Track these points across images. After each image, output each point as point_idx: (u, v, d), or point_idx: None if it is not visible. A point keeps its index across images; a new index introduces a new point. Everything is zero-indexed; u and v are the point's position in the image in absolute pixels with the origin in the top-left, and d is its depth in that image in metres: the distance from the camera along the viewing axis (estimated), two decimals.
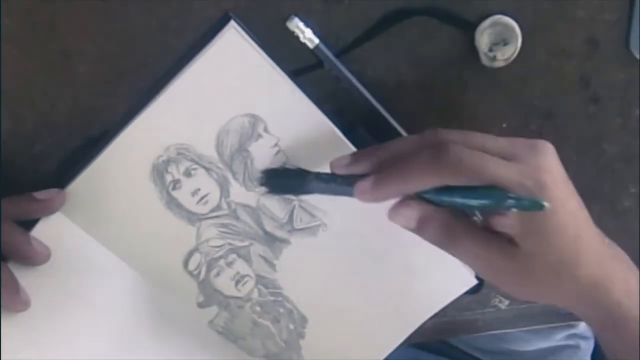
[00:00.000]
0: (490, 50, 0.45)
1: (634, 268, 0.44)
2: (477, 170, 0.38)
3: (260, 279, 0.47)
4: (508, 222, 0.39)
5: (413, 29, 0.45)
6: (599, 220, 0.51)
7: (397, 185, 0.40)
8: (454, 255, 0.41)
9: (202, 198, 0.45)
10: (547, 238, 0.39)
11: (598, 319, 0.43)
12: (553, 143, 0.48)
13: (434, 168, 0.38)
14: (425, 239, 0.41)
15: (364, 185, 0.40)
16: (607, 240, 0.43)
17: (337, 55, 0.44)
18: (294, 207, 0.46)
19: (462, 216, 0.41)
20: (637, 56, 0.46)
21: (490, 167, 0.38)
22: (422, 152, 0.39)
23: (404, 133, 0.46)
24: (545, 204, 0.37)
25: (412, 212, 0.41)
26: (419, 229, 0.41)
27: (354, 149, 0.45)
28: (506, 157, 0.39)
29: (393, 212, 0.41)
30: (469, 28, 0.45)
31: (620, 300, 0.41)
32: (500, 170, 0.38)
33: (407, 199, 0.41)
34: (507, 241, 0.39)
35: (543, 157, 0.39)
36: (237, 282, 0.47)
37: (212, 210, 0.45)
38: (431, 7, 0.44)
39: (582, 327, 0.77)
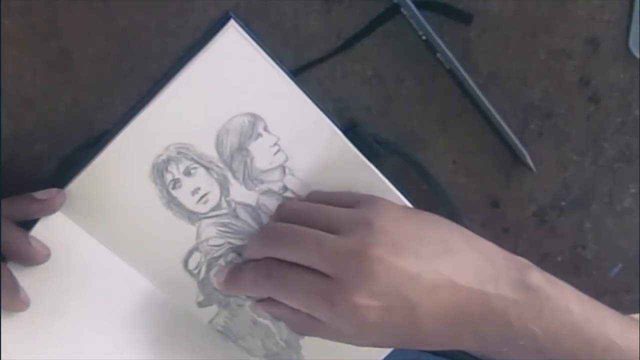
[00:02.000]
0: None
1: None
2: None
3: None
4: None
5: (413, 28, 0.44)
6: (599, 220, 0.51)
7: (235, 292, 0.47)
8: None
9: (202, 197, 0.45)
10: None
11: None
12: (553, 143, 0.49)
13: (253, 289, 0.44)
14: None
15: (216, 276, 0.46)
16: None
17: (337, 52, 0.44)
18: None
19: (301, 312, 0.42)
20: (637, 56, 0.46)
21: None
22: (246, 270, 0.44)
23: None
24: None
25: (265, 312, 0.46)
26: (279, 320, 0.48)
27: (353, 148, 0.45)
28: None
29: (255, 306, 0.47)
30: (470, 22, 0.45)
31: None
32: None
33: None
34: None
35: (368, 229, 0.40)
36: None
37: (212, 210, 0.45)
38: (432, 2, 0.44)
39: None
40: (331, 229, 0.41)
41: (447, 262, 0.40)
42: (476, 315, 0.40)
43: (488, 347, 0.41)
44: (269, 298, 0.44)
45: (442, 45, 0.44)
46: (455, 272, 0.40)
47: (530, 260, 0.42)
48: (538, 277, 0.41)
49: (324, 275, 0.40)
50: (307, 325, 0.43)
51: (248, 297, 0.47)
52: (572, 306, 0.41)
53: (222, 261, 0.47)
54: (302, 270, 0.41)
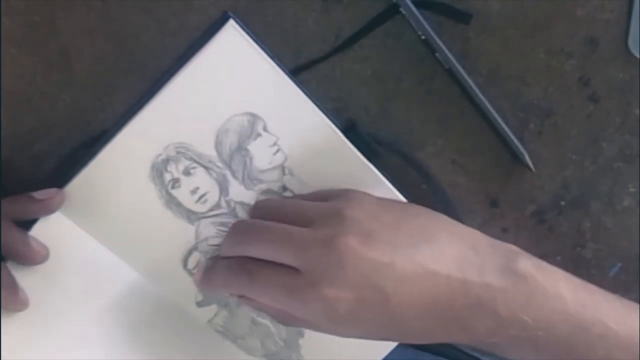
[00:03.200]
0: None
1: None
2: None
3: None
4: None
5: (412, 28, 0.45)
6: (599, 220, 0.51)
7: (211, 291, 0.46)
8: None
9: (201, 197, 0.45)
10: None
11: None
12: (552, 143, 0.49)
13: (227, 287, 0.43)
14: None
15: (195, 276, 0.46)
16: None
17: (336, 52, 0.44)
18: None
19: None
20: (637, 55, 0.46)
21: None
22: (220, 268, 0.43)
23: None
24: None
25: (249, 307, 0.46)
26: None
27: (352, 148, 0.45)
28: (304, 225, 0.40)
29: (239, 302, 0.47)
30: (469, 22, 0.45)
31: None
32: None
33: None
34: None
35: (340, 221, 0.39)
36: None
37: (211, 209, 0.45)
38: (431, 2, 0.44)
39: None
40: (303, 223, 0.40)
41: (425, 251, 0.38)
42: (460, 305, 0.38)
43: (477, 339, 0.39)
44: None
45: (442, 45, 0.44)
46: (433, 260, 0.38)
47: None
48: (526, 263, 0.39)
49: (295, 270, 0.39)
50: (287, 318, 0.42)
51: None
52: (564, 292, 0.39)
53: None
54: (272, 266, 0.40)
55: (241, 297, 0.44)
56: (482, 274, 0.38)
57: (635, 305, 0.41)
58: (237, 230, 0.43)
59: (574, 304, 0.39)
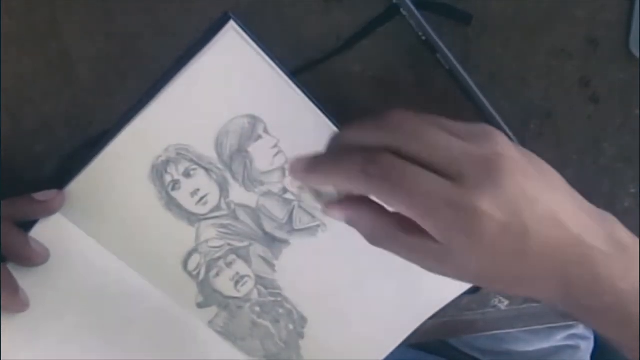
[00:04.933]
0: None
1: None
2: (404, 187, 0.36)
3: (259, 280, 0.47)
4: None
5: (413, 29, 0.45)
6: None
7: (322, 179, 0.40)
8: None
9: (201, 198, 0.45)
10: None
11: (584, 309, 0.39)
12: (553, 143, 0.49)
13: (359, 178, 0.37)
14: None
15: (296, 163, 0.40)
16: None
17: (337, 53, 0.44)
18: (293, 208, 0.46)
19: (387, 219, 0.39)
20: (637, 56, 0.46)
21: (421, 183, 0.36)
22: (356, 155, 0.38)
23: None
24: None
25: (341, 214, 0.41)
26: (353, 227, 0.41)
27: None
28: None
29: (328, 208, 0.42)
30: (470, 22, 0.45)
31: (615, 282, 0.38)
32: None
33: (341, 200, 0.41)
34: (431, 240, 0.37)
35: (495, 144, 0.37)
36: (236, 283, 0.47)
37: (212, 211, 0.45)
38: (432, 2, 0.44)
39: (582, 327, 0.78)
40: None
41: (559, 198, 0.38)
42: (569, 260, 0.37)
43: (572, 298, 0.38)
44: (347, 199, 0.41)
45: (442, 46, 0.44)
46: (563, 211, 0.37)
47: None
48: (626, 234, 0.39)
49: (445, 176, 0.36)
50: (391, 236, 0.39)
51: (317, 198, 0.43)
52: None
53: (221, 263, 0.47)
54: (422, 167, 0.36)
55: (332, 204, 0.41)
56: (593, 237, 0.38)
57: None
58: (390, 117, 0.38)
59: None
